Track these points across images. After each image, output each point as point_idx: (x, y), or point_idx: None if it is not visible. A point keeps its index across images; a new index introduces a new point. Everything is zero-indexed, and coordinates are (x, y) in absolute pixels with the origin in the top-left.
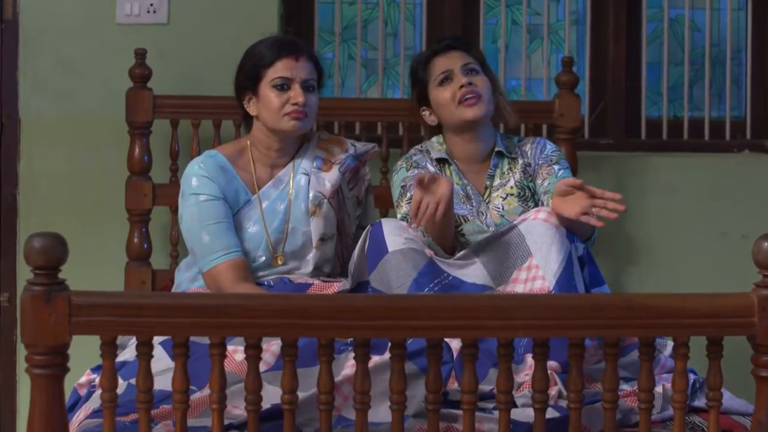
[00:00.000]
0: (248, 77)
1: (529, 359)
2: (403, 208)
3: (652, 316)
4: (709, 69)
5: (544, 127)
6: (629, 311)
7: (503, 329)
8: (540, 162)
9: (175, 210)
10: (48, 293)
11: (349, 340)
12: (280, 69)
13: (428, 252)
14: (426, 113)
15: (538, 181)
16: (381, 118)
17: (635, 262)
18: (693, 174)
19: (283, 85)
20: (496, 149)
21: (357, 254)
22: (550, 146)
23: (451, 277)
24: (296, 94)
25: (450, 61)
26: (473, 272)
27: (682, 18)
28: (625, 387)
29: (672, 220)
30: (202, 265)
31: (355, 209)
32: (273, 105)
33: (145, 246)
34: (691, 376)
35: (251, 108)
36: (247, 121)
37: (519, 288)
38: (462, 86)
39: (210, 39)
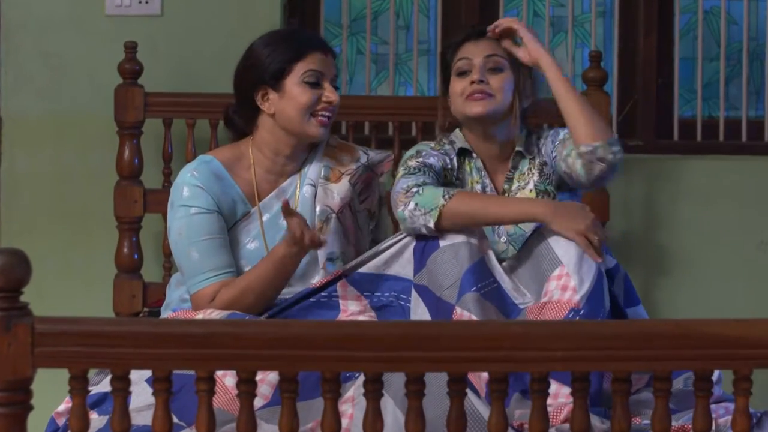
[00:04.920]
0: (269, 70)
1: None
2: (410, 162)
3: (712, 345)
4: (747, 65)
5: None
6: (684, 340)
7: (538, 361)
8: (554, 155)
9: None
10: (7, 320)
11: None
12: (312, 62)
13: (484, 249)
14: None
15: (561, 166)
16: (392, 118)
17: (667, 273)
18: (729, 178)
19: (316, 81)
20: (516, 149)
21: (386, 246)
22: (563, 131)
23: (496, 284)
24: (329, 92)
25: (474, 50)
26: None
27: (717, 10)
28: None
29: (707, 228)
30: (190, 286)
31: (368, 222)
32: (302, 101)
33: (136, 257)
34: None
35: (266, 105)
36: (246, 122)
37: (546, 300)
38: (473, 82)
39: (207, 32)
